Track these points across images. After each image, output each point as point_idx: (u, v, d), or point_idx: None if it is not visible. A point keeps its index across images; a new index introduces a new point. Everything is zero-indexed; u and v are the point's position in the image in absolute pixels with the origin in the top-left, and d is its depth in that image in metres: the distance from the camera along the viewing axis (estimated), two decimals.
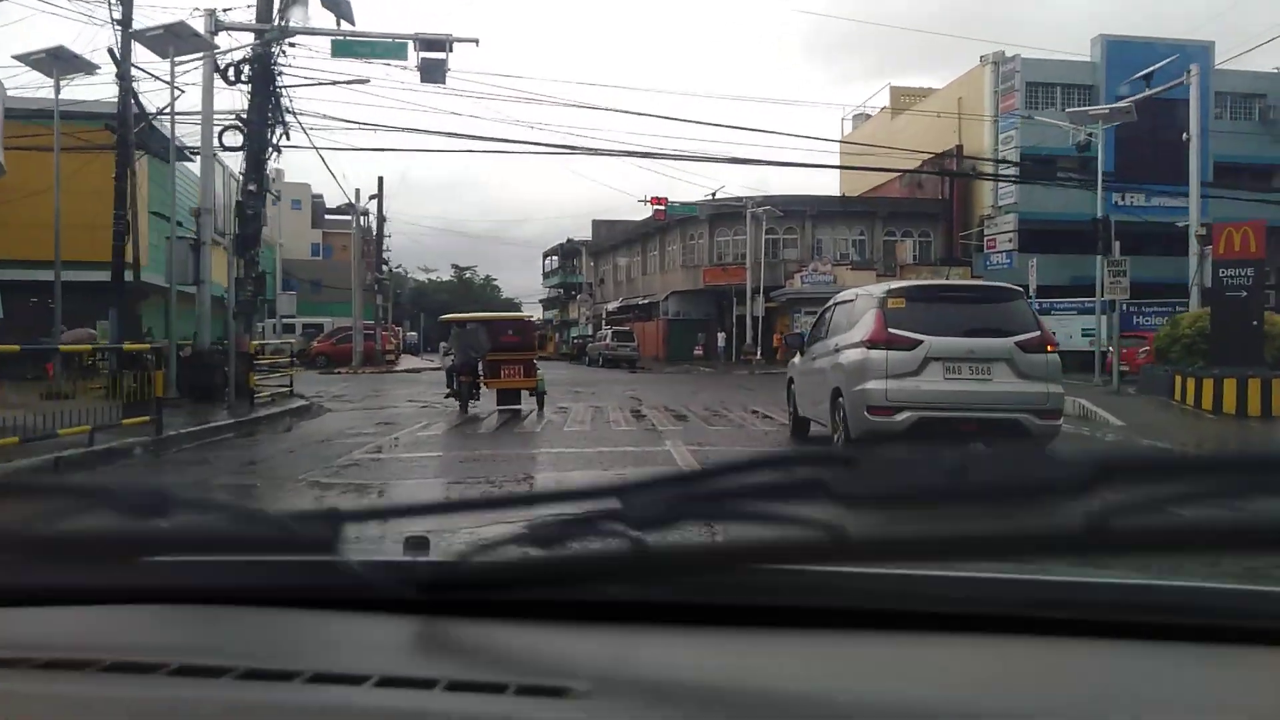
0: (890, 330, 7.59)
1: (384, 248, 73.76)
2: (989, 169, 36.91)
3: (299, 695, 0.83)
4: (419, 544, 1.23)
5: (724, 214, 38.93)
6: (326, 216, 73.73)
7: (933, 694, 0.85)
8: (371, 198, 32.76)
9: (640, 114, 35.05)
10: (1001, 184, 35.98)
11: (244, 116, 14.53)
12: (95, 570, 1.13)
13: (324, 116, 18.91)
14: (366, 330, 33.71)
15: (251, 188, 14.73)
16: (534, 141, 18.26)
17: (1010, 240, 35.69)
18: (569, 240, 68.36)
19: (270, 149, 15.13)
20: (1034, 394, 7.49)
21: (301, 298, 60.05)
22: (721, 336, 38.27)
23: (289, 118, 15.31)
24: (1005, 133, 35.86)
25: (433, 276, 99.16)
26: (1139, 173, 37.94)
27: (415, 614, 1.03)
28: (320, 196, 71.66)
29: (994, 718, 0.82)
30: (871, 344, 7.70)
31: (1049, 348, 7.75)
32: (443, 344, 18.69)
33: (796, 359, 10.90)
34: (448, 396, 14.54)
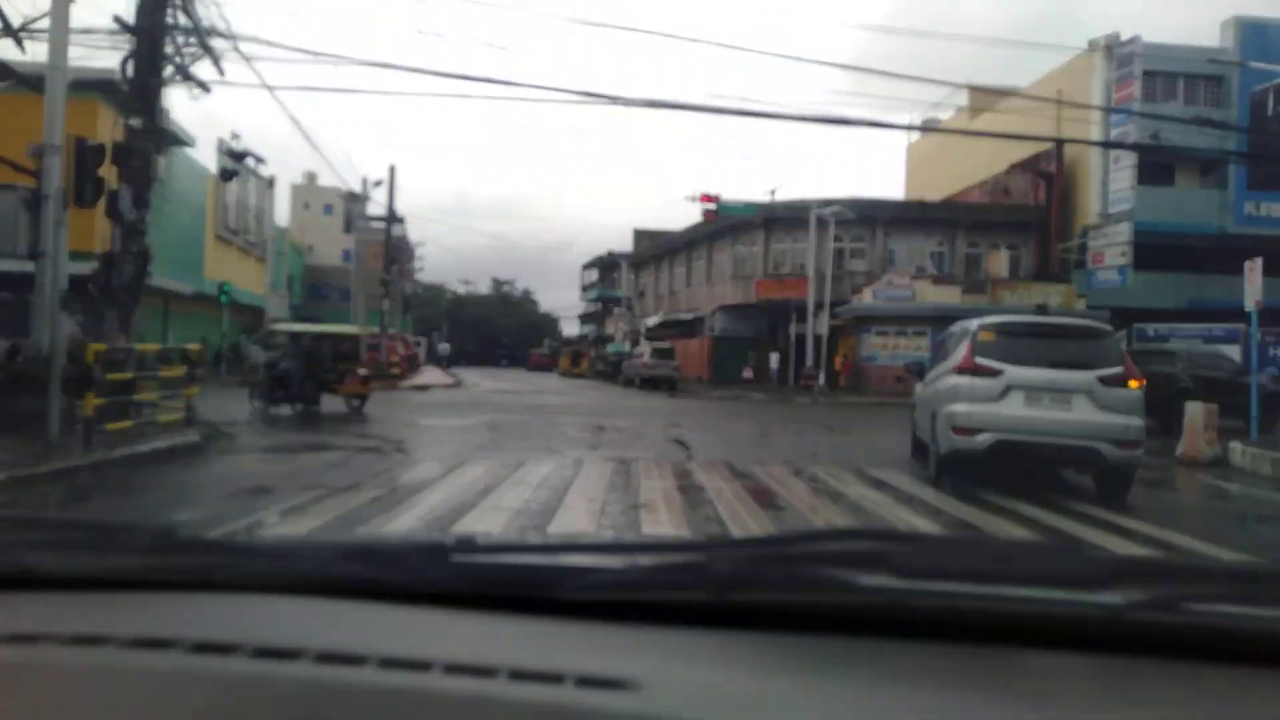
0: (977, 359, 8.31)
1: (402, 247, 70.11)
2: (1098, 167, 31.32)
3: (370, 678, 0.88)
4: (468, 544, 1.30)
5: (783, 218, 33.89)
6: (363, 222, 69.94)
7: (966, 702, 0.89)
8: (377, 183, 28.15)
9: (692, 108, 29.76)
10: (1114, 189, 30.33)
11: (130, 22, 9.75)
12: (196, 560, 1.29)
13: (302, 52, 13.96)
14: (372, 340, 29.01)
15: (135, 122, 9.92)
16: (565, 89, 13.32)
17: (1123, 254, 30.16)
18: (609, 252, 63.90)
19: (175, 72, 10.27)
20: (1113, 425, 7.91)
21: (330, 306, 56.29)
22: (775, 357, 33.16)
23: (218, 37, 10.42)
24: (1119, 128, 30.18)
25: (471, 289, 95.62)
26: (1275, 181, 32.05)
27: (473, 607, 1.10)
28: (356, 198, 68.25)
29: None
30: (960, 370, 8.46)
31: (1132, 383, 8.14)
32: (262, 350, 18.97)
33: (919, 386, 11.24)
34: (253, 398, 15.89)
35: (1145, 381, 8.38)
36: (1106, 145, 29.58)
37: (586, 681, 0.87)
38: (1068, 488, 9.04)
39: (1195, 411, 12.95)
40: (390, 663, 0.90)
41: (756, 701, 0.87)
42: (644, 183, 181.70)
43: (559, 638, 1.04)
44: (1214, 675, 0.95)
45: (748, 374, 34.70)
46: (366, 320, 29.74)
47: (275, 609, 1.13)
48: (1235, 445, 12.78)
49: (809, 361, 30.56)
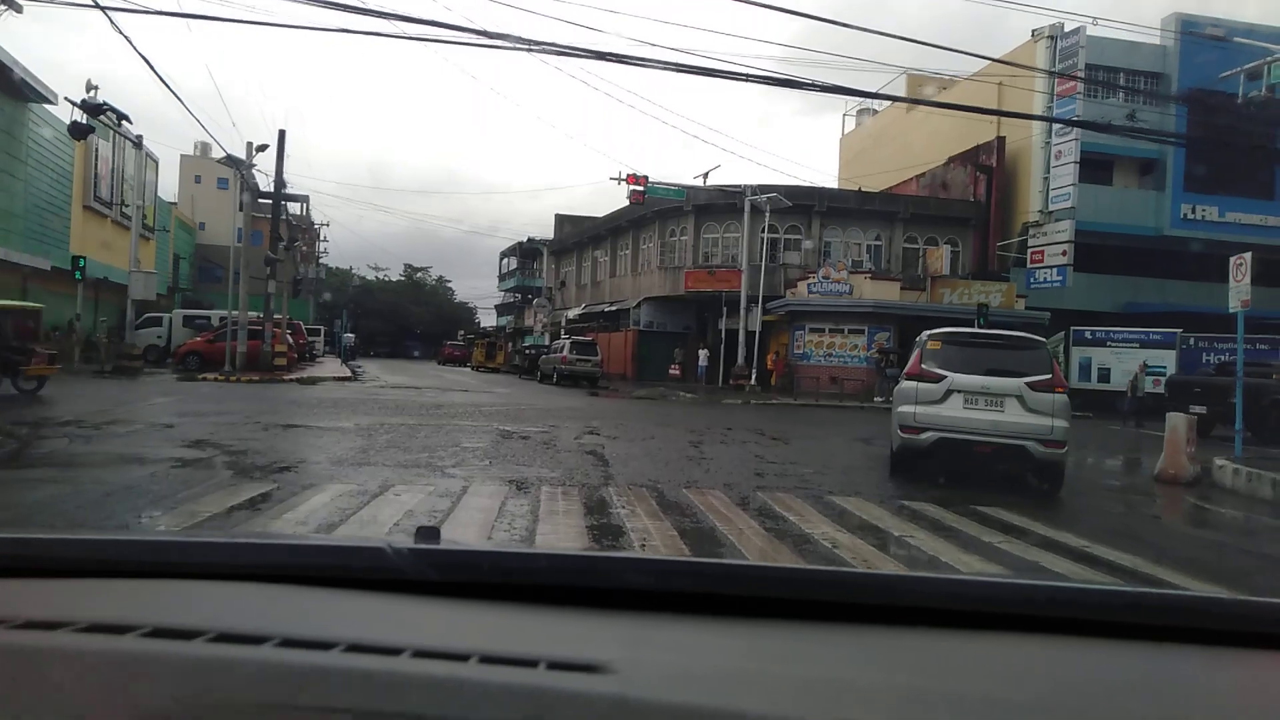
0: (923, 366, 9.42)
1: (303, 227, 66.24)
2: (1039, 162, 30.63)
3: (339, 661, 0.88)
4: (430, 534, 1.32)
5: (714, 206, 32.27)
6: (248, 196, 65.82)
7: (936, 685, 0.95)
8: (262, 148, 25.35)
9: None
10: (1055, 185, 29.63)
11: None
12: (149, 548, 1.34)
13: None
14: (253, 326, 26.28)
15: None
16: (479, 31, 11.28)
17: (1064, 253, 29.49)
18: (529, 239, 61.39)
19: None
20: (1039, 425, 8.95)
21: (223, 288, 52.38)
22: (703, 354, 31.53)
23: None
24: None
25: (383, 276, 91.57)
26: (1210, 184, 31.98)
27: (439, 596, 1.13)
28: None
29: (995, 709, 0.91)
30: (908, 376, 9.60)
31: (1057, 389, 9.17)
32: None
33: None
34: None
35: (1066, 388, 9.40)
36: (1051, 120, 28.81)
37: (559, 665, 0.88)
38: (1040, 510, 8.25)
39: (1176, 423, 11.66)
40: (358, 648, 0.91)
41: (728, 683, 0.92)
42: (574, 166, 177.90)
43: (530, 624, 1.07)
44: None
45: (675, 371, 33.02)
46: (249, 304, 26.90)
47: (239, 595, 1.14)
48: (1219, 462, 11.56)
49: (740, 359, 29.03)
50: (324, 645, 0.91)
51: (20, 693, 0.83)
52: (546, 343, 39.70)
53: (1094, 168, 30.69)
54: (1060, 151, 29.78)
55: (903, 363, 28.62)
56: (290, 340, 28.61)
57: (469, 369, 46.90)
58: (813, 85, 13.42)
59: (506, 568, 1.25)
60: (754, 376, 28.03)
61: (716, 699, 0.86)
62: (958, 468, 9.55)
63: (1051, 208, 30.16)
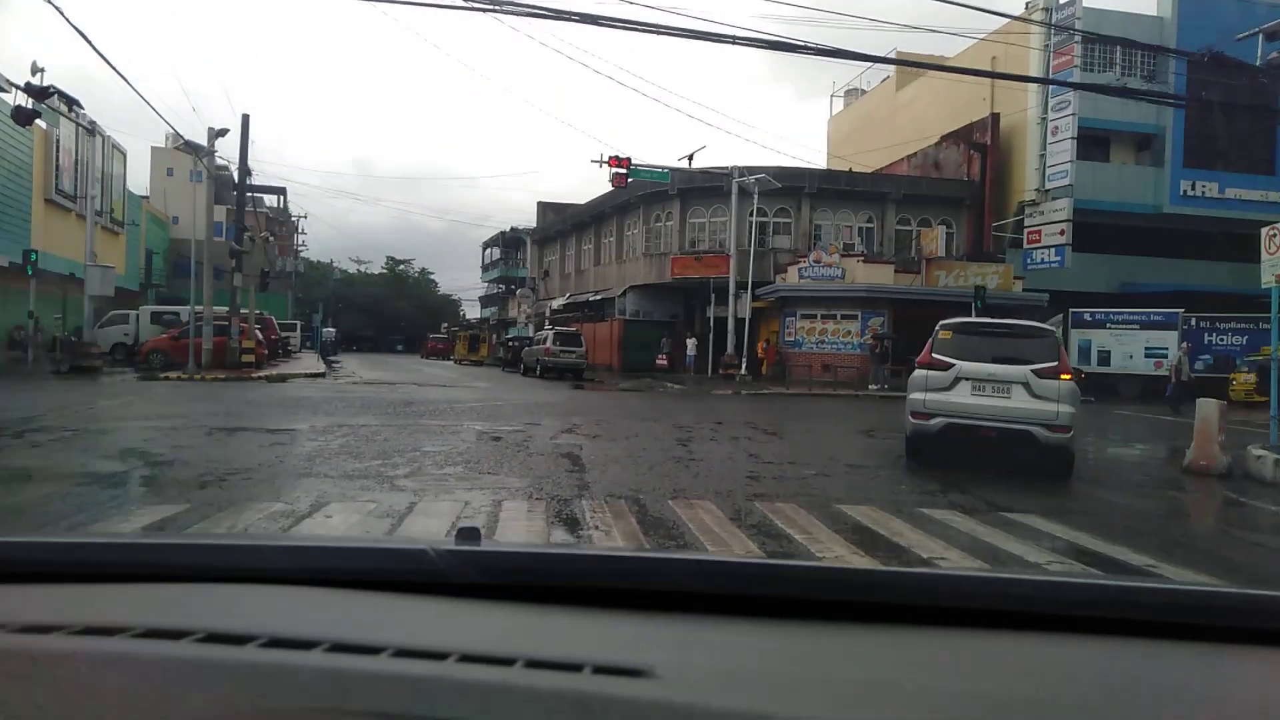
0: (933, 355, 9.72)
1: (281, 220, 64.84)
2: (1035, 139, 29.67)
3: (386, 667, 0.89)
4: (470, 535, 1.32)
5: (700, 189, 31.20)
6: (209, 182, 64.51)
7: (978, 686, 0.96)
8: (221, 132, 24.12)
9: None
10: (1052, 162, 28.70)
11: None
12: (189, 552, 1.37)
13: None
14: (220, 322, 25.14)
15: None
16: None
17: (1061, 232, 28.57)
18: (512, 229, 60.19)
19: None
20: (1045, 411, 9.14)
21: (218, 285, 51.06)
22: (691, 343, 30.54)
23: None
24: (1058, 96, 28.54)
25: (364, 269, 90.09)
26: (1211, 160, 31.10)
27: (482, 598, 1.13)
28: (225, 166, 62.40)
29: (1041, 710, 0.91)
30: (920, 365, 9.88)
31: (1063, 376, 9.30)
32: None
33: None
34: None
35: (1072, 375, 9.50)
36: (1047, 82, 27.79)
37: (604, 670, 0.89)
38: (1067, 511, 7.46)
39: (1209, 411, 10.73)
40: (405, 653, 0.91)
41: (773, 686, 0.92)
42: (559, 152, 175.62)
43: (574, 627, 1.07)
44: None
45: (662, 361, 32.00)
46: (214, 299, 25.70)
47: (289, 600, 1.15)
48: (1254, 451, 10.64)
49: (729, 347, 28.04)
50: (372, 650, 0.91)
51: (76, 702, 0.83)
52: (531, 334, 38.60)
53: (1090, 144, 29.78)
54: (1057, 127, 28.85)
55: (896, 348, 27.94)
56: (260, 336, 27.40)
57: (452, 362, 45.80)
58: (807, 48, 12.39)
59: (549, 569, 1.26)
60: (744, 365, 27.06)
61: (761, 703, 0.86)
62: (971, 462, 9.68)
63: (1048, 186, 29.24)
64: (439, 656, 0.90)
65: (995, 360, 9.48)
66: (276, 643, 0.93)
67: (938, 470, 10.16)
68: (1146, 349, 28.77)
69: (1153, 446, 14.09)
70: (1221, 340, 28.99)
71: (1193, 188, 30.72)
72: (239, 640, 0.94)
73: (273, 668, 0.89)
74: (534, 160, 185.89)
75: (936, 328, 10.15)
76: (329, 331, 55.96)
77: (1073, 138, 28.27)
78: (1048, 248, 29.30)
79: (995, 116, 31.46)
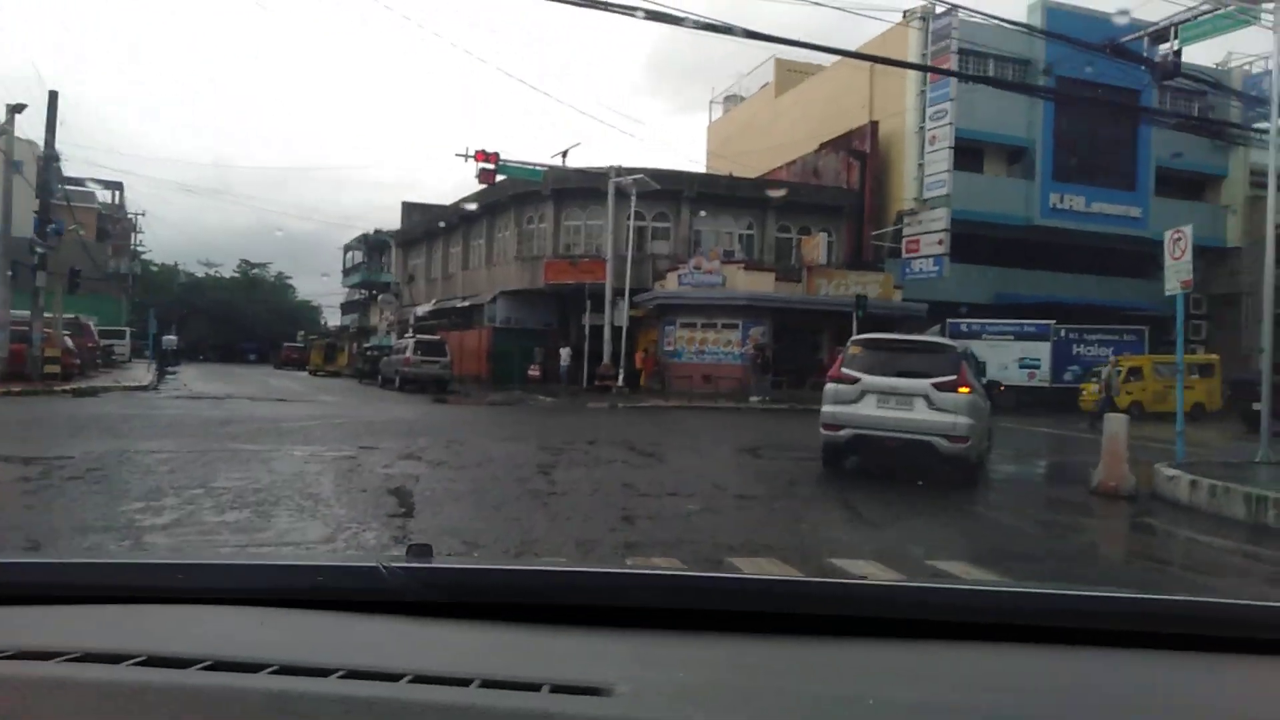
0: (842, 370, 10.13)
1: (116, 217, 59.48)
2: (913, 148, 29.68)
3: (336, 689, 0.88)
4: (422, 551, 1.31)
5: (575, 190, 29.77)
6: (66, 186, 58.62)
7: (941, 698, 0.96)
8: (18, 108, 21.01)
9: None
10: (930, 171, 28.73)
11: None
12: (138, 571, 1.32)
13: None
14: (17, 327, 21.93)
15: None
16: None
17: (940, 241, 28.62)
18: (376, 231, 57.06)
19: None
20: (944, 423, 9.46)
21: (19, 285, 45.78)
22: (565, 353, 28.96)
23: None
24: (936, 105, 28.64)
25: (215, 272, 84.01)
26: (1078, 174, 32.02)
27: (436, 616, 1.11)
28: (56, 157, 56.42)
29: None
30: (831, 379, 10.31)
31: (962, 389, 9.61)
32: None
33: None
34: None
35: (971, 388, 9.74)
36: (923, 69, 27.76)
37: (562, 688, 0.88)
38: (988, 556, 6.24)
39: (1116, 429, 9.99)
40: (357, 674, 0.90)
41: (732, 702, 0.92)
42: (436, 153, 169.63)
43: (531, 644, 1.06)
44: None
45: (534, 372, 30.26)
46: (13, 302, 22.35)
47: (234, 620, 1.12)
48: (1165, 470, 9.96)
49: (606, 357, 26.63)
50: (321, 672, 0.90)
51: None
52: (391, 343, 36.12)
53: (964, 156, 30.01)
54: (935, 136, 28.93)
55: (777, 358, 27.30)
56: (70, 344, 24.09)
57: (307, 373, 42.62)
58: (731, 29, 11.15)
59: (504, 586, 1.24)
60: (621, 377, 25.70)
61: (720, 718, 0.87)
62: (873, 483, 9.93)
63: (926, 195, 29.29)
64: (392, 677, 0.88)
65: (898, 374, 9.91)
66: (221, 665, 0.91)
67: (836, 495, 9.05)
68: (1020, 360, 29.18)
69: (1060, 466, 13.49)
70: (1089, 351, 29.68)
71: (1061, 200, 31.49)
72: (181, 664, 0.91)
73: (217, 691, 0.87)
74: (410, 161, 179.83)
75: (848, 343, 10.94)
76: (169, 340, 51.48)
77: (950, 147, 28.38)
78: (926, 257, 29.32)
79: (874, 124, 31.41)
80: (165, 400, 19.75)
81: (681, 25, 11.04)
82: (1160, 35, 13.48)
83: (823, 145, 33.91)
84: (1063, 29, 31.11)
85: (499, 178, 27.11)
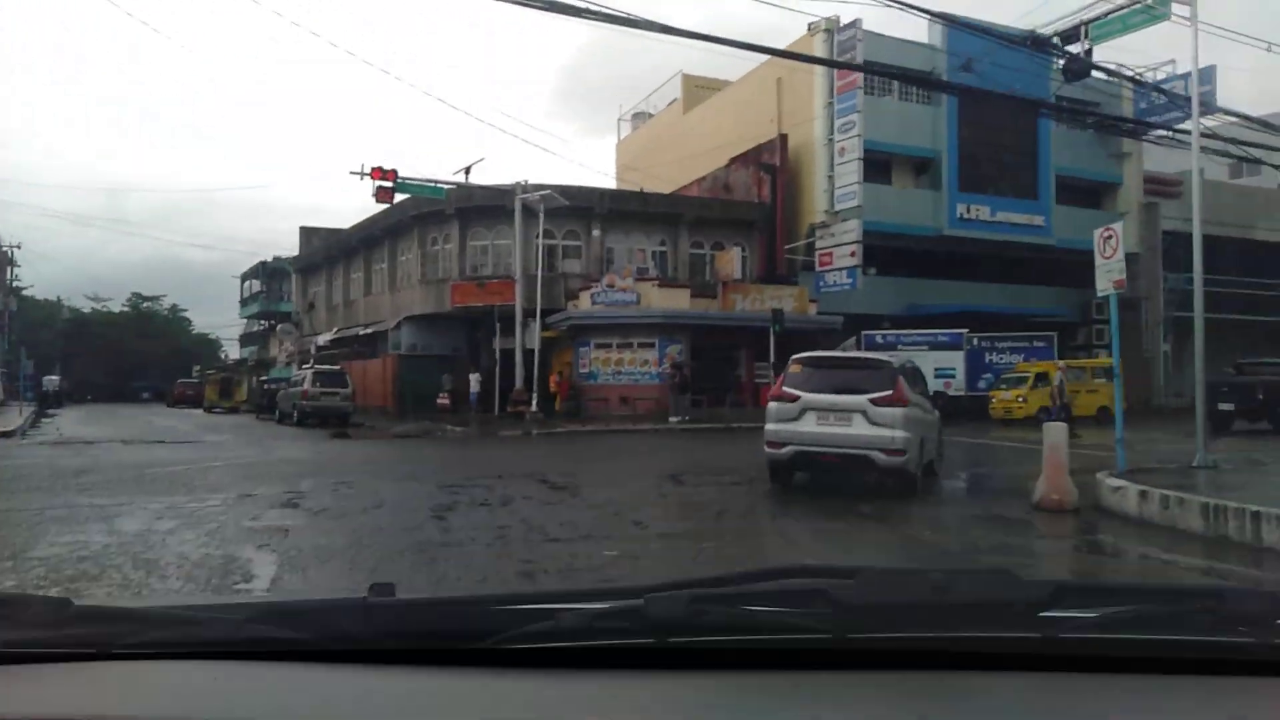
0: (783, 388, 10.36)
1: None
2: (823, 160, 29.55)
3: None
4: (384, 590, 1.26)
5: (481, 208, 28.64)
6: None
7: None
8: None
9: None
10: (840, 184, 28.60)
11: None
12: (95, 629, 1.16)
13: None
14: None
15: None
16: None
17: (852, 253, 28.46)
18: (275, 258, 54.62)
19: None
20: (881, 437, 9.66)
21: None
22: (475, 379, 27.61)
23: None
24: (844, 117, 28.57)
25: (103, 307, 79.16)
26: (982, 184, 32.45)
27: (395, 664, 1.04)
28: None
29: None
30: (773, 397, 10.50)
31: (898, 403, 9.76)
32: None
33: None
34: None
35: (907, 402, 9.91)
36: (838, 66, 27.60)
37: None
38: None
39: (1057, 438, 9.44)
40: None
41: None
42: (332, 172, 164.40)
43: (493, 691, 1.01)
44: (1134, 685, 1.06)
45: (444, 400, 28.75)
46: None
47: (183, 676, 1.06)
48: (1109, 480, 9.44)
49: (518, 382, 25.46)
50: None
51: None
52: (292, 374, 34.13)
53: (873, 168, 29.99)
54: (844, 148, 28.83)
55: (696, 376, 26.64)
56: None
57: (202, 411, 40.03)
58: (674, 30, 10.30)
59: (466, 628, 1.14)
60: (535, 401, 24.56)
61: None
62: (814, 513, 9.42)
63: (838, 207, 29.14)
64: None
65: (837, 391, 10.04)
66: None
67: (768, 525, 8.25)
68: (935, 370, 29.16)
69: (996, 478, 12.95)
70: (1001, 359, 29.89)
71: (968, 210, 31.80)
72: None
73: None
74: (310, 184, 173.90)
75: (789, 361, 10.92)
76: (51, 380, 48.00)
77: (859, 158, 28.30)
78: (840, 269, 29.12)
79: (783, 137, 31.21)
80: (26, 448, 17.76)
81: (585, 18, 10.16)
82: (1070, 36, 13.31)
83: (733, 160, 33.59)
84: (964, 42, 31.68)
85: (399, 196, 25.80)
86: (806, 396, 9.95)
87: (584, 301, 26.92)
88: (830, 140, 29.38)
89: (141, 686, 1.02)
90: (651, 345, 26.47)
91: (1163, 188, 35.01)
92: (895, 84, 31.35)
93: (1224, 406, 18.54)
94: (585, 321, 26.55)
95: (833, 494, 10.07)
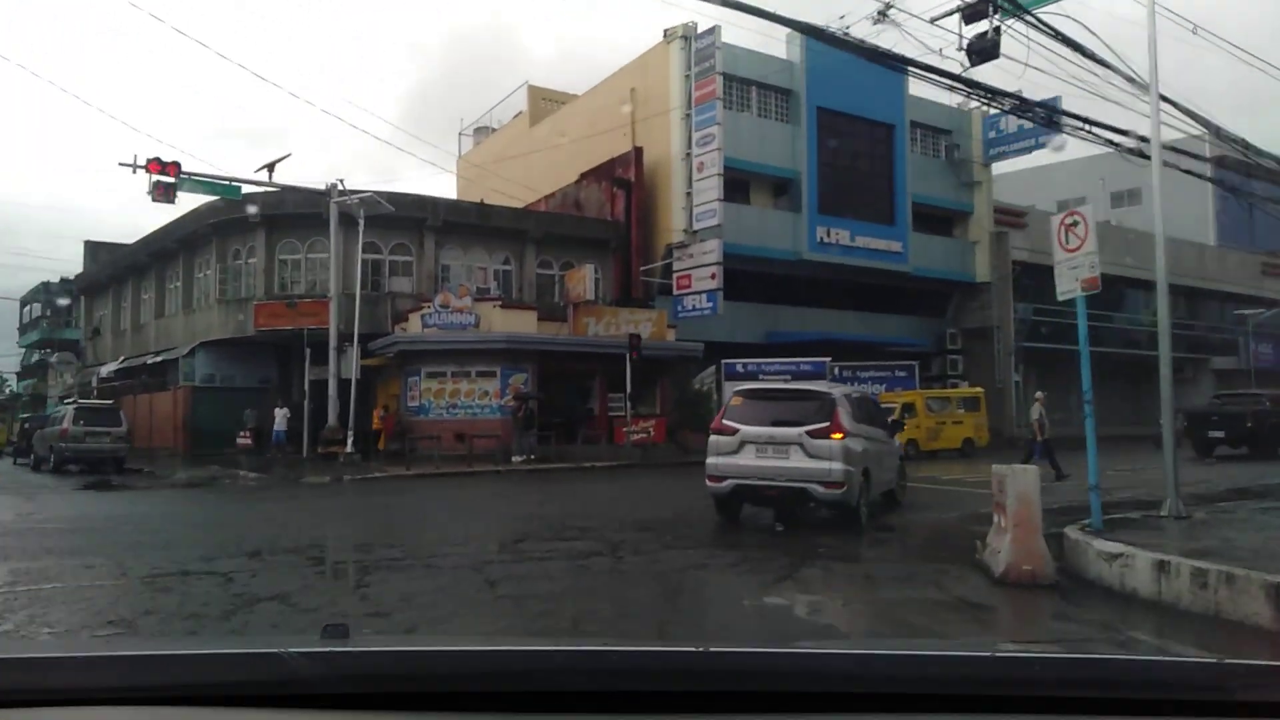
0: (724, 421, 10.29)
1: None
2: (680, 176, 27.42)
3: None
4: (337, 631, 1.25)
5: (293, 216, 24.62)
6: None
7: None
8: None
9: None
10: (699, 202, 26.52)
11: None
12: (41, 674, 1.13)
13: None
14: None
15: None
16: None
17: (712, 276, 26.23)
18: (62, 279, 47.48)
19: None
20: (818, 469, 9.54)
21: None
22: (281, 414, 23.48)
23: None
24: (703, 129, 26.53)
25: None
26: (842, 208, 31.22)
27: (350, 709, 1.02)
28: None
29: None
30: (713, 431, 10.42)
31: (835, 436, 9.61)
32: None
33: None
34: None
35: (845, 433, 9.72)
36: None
37: None
38: None
39: (1027, 487, 7.05)
40: None
41: None
42: (127, 178, 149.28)
43: None
44: None
45: (245, 440, 24.34)
46: None
47: None
48: (1093, 542, 7.07)
49: (331, 418, 21.56)
50: None
51: None
52: (53, 411, 28.49)
53: (731, 187, 28.04)
54: (703, 162, 26.75)
55: (543, 409, 23.63)
56: None
57: None
58: None
59: (427, 673, 1.11)
60: (351, 441, 20.71)
61: None
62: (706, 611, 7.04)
63: (696, 226, 26.96)
64: None
65: (774, 423, 9.90)
66: None
67: (650, 621, 5.13)
68: None
69: (929, 530, 10.52)
70: (862, 388, 28.48)
71: (828, 234, 30.38)
72: None
73: None
74: (100, 193, 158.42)
75: (730, 394, 11.08)
76: None
77: (718, 174, 26.26)
78: (699, 293, 26.89)
79: (638, 150, 28.86)
80: None
81: None
82: (978, 11, 11.46)
83: (584, 175, 30.97)
84: (823, 62, 30.51)
85: (198, 199, 21.54)
86: (745, 430, 9.84)
87: (414, 324, 23.35)
88: (688, 155, 27.27)
89: None
90: (493, 374, 23.18)
91: (1011, 218, 35.06)
92: (754, 100, 29.72)
93: (1214, 434, 20.78)
94: (415, 347, 22.97)
95: (749, 566, 7.30)
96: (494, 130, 41.53)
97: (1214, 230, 43.96)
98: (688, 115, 27.34)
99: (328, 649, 1.13)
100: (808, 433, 9.51)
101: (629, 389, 22.55)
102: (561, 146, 33.56)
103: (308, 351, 22.21)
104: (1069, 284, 7.58)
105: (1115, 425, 29.77)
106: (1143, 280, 39.02)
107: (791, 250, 29.86)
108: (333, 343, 21.50)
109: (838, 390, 10.66)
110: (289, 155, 20.70)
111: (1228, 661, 1.19)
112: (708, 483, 10.11)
